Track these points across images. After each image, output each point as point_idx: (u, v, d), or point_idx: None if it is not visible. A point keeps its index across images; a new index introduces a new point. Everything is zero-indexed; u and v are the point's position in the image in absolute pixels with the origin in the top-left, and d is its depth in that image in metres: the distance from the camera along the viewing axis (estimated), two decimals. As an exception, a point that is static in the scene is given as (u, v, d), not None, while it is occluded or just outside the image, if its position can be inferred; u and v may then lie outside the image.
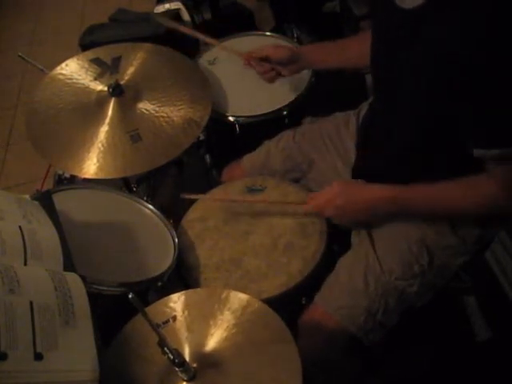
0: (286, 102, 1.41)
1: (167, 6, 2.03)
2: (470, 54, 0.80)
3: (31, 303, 0.67)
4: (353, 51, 1.25)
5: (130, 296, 0.70)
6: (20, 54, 1.37)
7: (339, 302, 1.05)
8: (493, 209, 0.93)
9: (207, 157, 1.58)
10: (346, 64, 1.30)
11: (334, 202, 1.03)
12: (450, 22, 0.81)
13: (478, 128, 0.87)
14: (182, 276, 1.14)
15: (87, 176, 1.18)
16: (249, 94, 1.45)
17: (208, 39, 1.42)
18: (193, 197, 1.24)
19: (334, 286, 1.08)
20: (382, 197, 1.00)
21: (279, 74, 1.34)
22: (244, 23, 2.22)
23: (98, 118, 1.26)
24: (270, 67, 1.33)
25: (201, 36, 1.41)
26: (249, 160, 1.40)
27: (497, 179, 0.89)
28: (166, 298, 0.92)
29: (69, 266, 0.81)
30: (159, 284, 1.02)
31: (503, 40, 0.79)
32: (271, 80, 1.36)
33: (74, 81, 1.34)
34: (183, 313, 0.88)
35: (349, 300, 1.04)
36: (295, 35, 2.11)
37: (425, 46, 0.86)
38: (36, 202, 0.92)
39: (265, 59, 1.32)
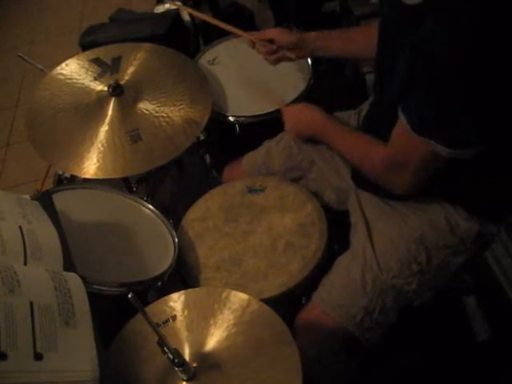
0: (286, 102, 1.41)
1: (167, 5, 2.03)
2: (468, 52, 0.80)
3: (31, 303, 0.67)
4: (358, 41, 1.26)
5: (130, 296, 0.70)
6: (20, 54, 1.38)
7: (337, 300, 1.05)
8: (369, 173, 1.06)
9: (207, 157, 1.57)
10: (350, 53, 1.31)
11: (293, 119, 1.28)
12: (449, 20, 0.81)
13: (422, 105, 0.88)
14: (182, 276, 1.14)
15: (87, 176, 1.18)
16: (249, 94, 1.45)
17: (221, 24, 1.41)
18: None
19: (332, 284, 1.08)
20: (317, 123, 1.21)
21: (285, 58, 1.34)
22: (244, 23, 2.22)
23: (98, 118, 1.26)
24: (274, 48, 1.33)
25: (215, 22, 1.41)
26: (249, 160, 1.40)
27: (388, 152, 0.98)
28: (165, 298, 0.92)
29: (69, 266, 0.81)
30: (159, 284, 1.02)
31: (505, 41, 0.78)
32: (275, 62, 1.36)
33: (74, 81, 1.35)
34: (183, 312, 0.88)
35: (346, 299, 1.04)
36: (295, 35, 2.11)
37: (426, 44, 0.86)
38: (36, 202, 0.92)
39: (270, 41, 1.33)
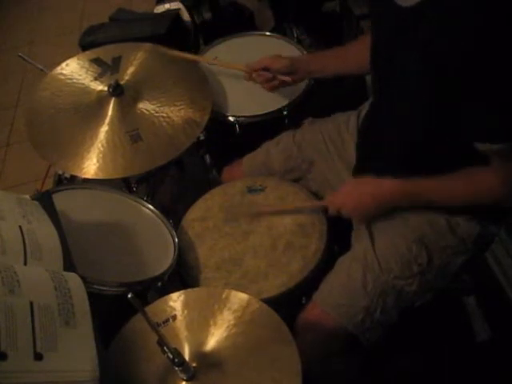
0: (286, 102, 1.41)
1: (167, 5, 2.03)
2: (468, 52, 0.80)
3: (31, 303, 0.67)
4: (353, 58, 1.26)
5: (130, 296, 0.70)
6: (20, 54, 1.37)
7: (337, 300, 1.05)
8: (492, 201, 0.97)
9: (207, 157, 1.57)
10: (346, 71, 1.31)
11: (351, 199, 1.07)
12: (449, 20, 0.81)
13: (481, 124, 0.87)
14: (182, 276, 1.14)
15: (87, 176, 1.18)
16: (249, 94, 1.45)
17: (200, 58, 1.48)
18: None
19: (333, 284, 1.08)
20: (394, 191, 1.03)
21: (282, 83, 1.35)
22: (244, 23, 2.22)
23: (98, 118, 1.26)
24: (270, 76, 1.34)
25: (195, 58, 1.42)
26: (249, 160, 1.40)
27: (498, 174, 0.91)
28: (165, 297, 0.92)
29: (69, 266, 0.81)
30: (159, 284, 1.02)
31: (501, 37, 0.79)
32: (273, 89, 1.38)
33: (74, 81, 1.34)
34: (183, 312, 0.88)
35: (347, 299, 1.04)
36: (295, 35, 2.11)
37: (423, 44, 0.87)
38: (36, 202, 0.92)
39: (264, 69, 1.34)
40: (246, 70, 1.37)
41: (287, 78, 1.33)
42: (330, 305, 1.05)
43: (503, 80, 0.81)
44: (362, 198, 1.06)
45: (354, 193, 1.07)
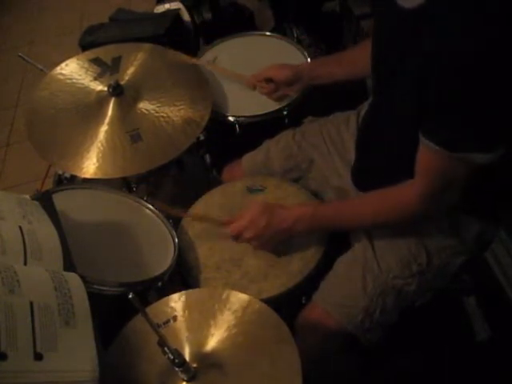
0: (286, 102, 1.41)
1: (167, 5, 2.03)
2: (469, 54, 0.80)
3: (31, 303, 0.67)
4: (354, 63, 1.26)
5: (130, 296, 0.70)
6: (20, 54, 1.37)
7: (337, 300, 1.05)
8: (407, 217, 0.98)
9: (207, 157, 1.57)
10: (348, 77, 1.32)
11: (257, 223, 1.04)
12: (450, 22, 0.81)
13: (442, 122, 0.86)
14: (182, 276, 1.14)
15: (87, 176, 1.18)
16: (249, 94, 1.45)
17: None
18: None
19: (333, 284, 1.08)
20: (301, 215, 1.04)
21: (285, 94, 1.39)
22: (244, 23, 2.22)
23: (98, 118, 1.26)
24: (275, 87, 1.38)
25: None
26: (249, 160, 1.40)
27: (420, 184, 0.92)
28: (166, 298, 0.92)
29: (69, 266, 0.81)
30: (159, 284, 1.01)
31: (505, 42, 0.78)
32: (279, 99, 1.41)
33: (74, 81, 1.34)
34: (184, 313, 0.88)
35: (347, 299, 1.04)
36: (295, 35, 2.11)
37: (423, 45, 0.86)
38: (36, 202, 0.92)
39: (269, 80, 1.37)
40: (249, 83, 1.42)
41: (290, 90, 1.37)
42: (330, 305, 1.05)
43: (503, 83, 0.81)
44: (268, 227, 1.04)
45: (263, 217, 1.04)
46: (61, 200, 0.99)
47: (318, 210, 1.05)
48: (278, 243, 1.09)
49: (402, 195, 0.96)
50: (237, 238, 1.08)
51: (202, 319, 0.86)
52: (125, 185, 1.40)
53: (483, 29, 0.78)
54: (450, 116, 0.84)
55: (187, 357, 0.80)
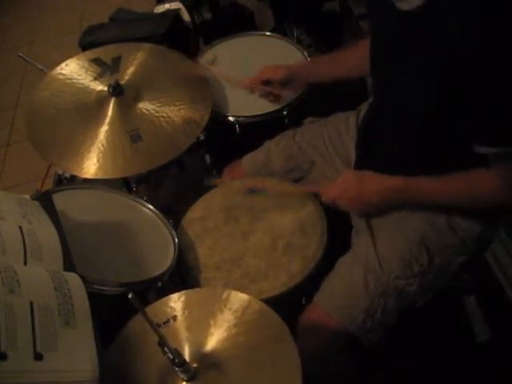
0: (286, 102, 1.41)
1: (167, 5, 2.03)
2: (469, 55, 0.80)
3: (31, 303, 0.67)
4: (351, 62, 1.27)
5: (130, 296, 0.70)
6: (20, 54, 1.37)
7: (339, 301, 1.05)
8: (491, 203, 0.97)
9: (207, 157, 1.57)
10: (345, 76, 1.32)
11: (348, 193, 1.06)
12: (449, 23, 0.81)
13: (480, 127, 0.88)
14: (182, 276, 1.14)
15: (87, 176, 1.18)
16: (249, 94, 1.45)
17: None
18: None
19: (334, 285, 1.08)
20: (393, 186, 1.02)
21: (283, 94, 1.39)
22: (244, 23, 2.22)
23: (98, 118, 1.26)
24: (272, 88, 1.38)
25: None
26: (249, 160, 1.40)
27: (497, 175, 0.91)
28: (166, 298, 0.92)
29: (69, 266, 0.81)
30: (159, 284, 1.01)
31: (505, 42, 0.78)
32: (277, 100, 1.41)
33: (74, 81, 1.34)
34: (183, 313, 0.88)
35: (348, 300, 1.04)
36: (295, 35, 2.11)
37: (423, 46, 0.87)
38: (36, 202, 0.92)
39: (266, 82, 1.37)
40: (247, 86, 1.42)
41: (287, 93, 1.38)
42: (332, 306, 1.05)
43: (504, 83, 0.81)
44: (364, 194, 1.05)
45: (353, 187, 1.06)
46: (61, 200, 0.99)
47: (411, 183, 1.01)
48: (373, 210, 1.09)
49: (481, 178, 0.94)
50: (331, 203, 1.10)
51: (201, 319, 0.86)
52: (125, 185, 1.40)
53: (483, 29, 0.78)
54: (487, 115, 0.85)
55: (187, 357, 0.80)
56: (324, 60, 1.36)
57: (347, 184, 1.07)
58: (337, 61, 1.32)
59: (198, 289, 1.02)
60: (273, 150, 1.36)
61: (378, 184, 1.04)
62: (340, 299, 1.05)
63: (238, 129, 1.44)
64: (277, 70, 1.36)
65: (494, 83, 0.81)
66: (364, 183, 1.05)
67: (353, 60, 1.24)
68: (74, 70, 1.37)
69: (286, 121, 1.43)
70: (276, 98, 1.41)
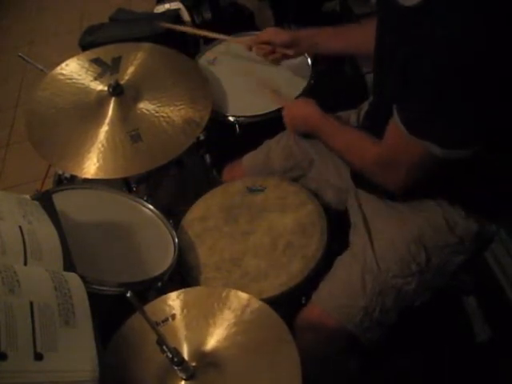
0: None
1: (167, 5, 2.03)
2: (471, 55, 0.80)
3: (31, 303, 0.67)
4: (354, 37, 1.27)
5: (128, 294, 0.70)
6: (20, 54, 1.37)
7: (337, 300, 1.05)
8: (363, 169, 1.07)
9: (207, 157, 1.57)
10: (344, 50, 1.33)
11: (286, 111, 1.29)
12: (449, 20, 0.81)
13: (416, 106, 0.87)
14: (182, 276, 1.14)
15: (87, 176, 1.18)
16: (249, 94, 1.45)
17: (210, 34, 1.52)
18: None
19: (332, 284, 1.08)
20: (309, 121, 1.22)
21: (283, 56, 1.38)
22: (244, 23, 2.22)
23: (98, 118, 1.26)
24: (272, 49, 1.37)
25: (202, 33, 1.51)
26: (249, 160, 1.40)
27: (381, 151, 0.98)
28: (165, 296, 0.92)
29: (69, 266, 0.81)
30: (159, 284, 1.01)
31: (501, 37, 0.78)
32: (276, 61, 1.40)
33: (74, 81, 1.35)
34: (183, 311, 0.88)
35: (346, 299, 1.04)
36: (295, 35, 2.11)
37: (423, 43, 0.86)
38: (36, 202, 0.92)
39: (267, 43, 1.36)
40: (246, 43, 1.41)
41: (289, 51, 1.35)
42: (330, 305, 1.05)
43: (504, 83, 0.81)
44: (295, 115, 1.27)
45: (292, 106, 1.30)
46: (61, 200, 0.99)
47: (319, 123, 1.18)
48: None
49: (365, 148, 1.03)
50: None
51: (201, 318, 0.86)
52: (125, 185, 1.40)
53: (483, 29, 0.78)
54: (419, 98, 0.86)
55: (186, 355, 0.80)
56: (329, 31, 1.33)
57: (291, 104, 1.30)
58: (343, 34, 1.31)
59: (197, 287, 1.03)
60: (273, 149, 1.36)
61: (302, 112, 1.25)
62: (338, 298, 1.05)
63: (237, 129, 1.44)
64: (278, 33, 1.35)
65: (494, 83, 0.81)
66: (297, 108, 1.28)
67: (359, 37, 1.24)
68: (74, 69, 1.37)
69: (286, 121, 1.43)
70: (275, 61, 1.40)
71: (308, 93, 1.43)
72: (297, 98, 1.42)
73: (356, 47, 1.27)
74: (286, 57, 1.38)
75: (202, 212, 1.25)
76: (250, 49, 1.40)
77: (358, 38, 1.24)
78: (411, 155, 0.91)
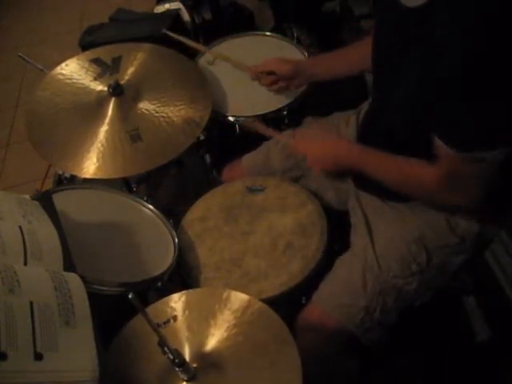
0: (286, 102, 1.41)
1: (167, 5, 2.03)
2: (471, 55, 0.80)
3: (31, 303, 0.67)
4: (357, 57, 1.27)
5: (130, 296, 0.70)
6: (20, 54, 1.37)
7: (337, 300, 1.05)
8: (422, 196, 1.03)
9: (207, 157, 1.58)
10: (349, 72, 1.33)
11: (313, 153, 1.17)
12: (452, 22, 0.81)
13: (447, 122, 0.87)
14: (182, 276, 1.14)
15: (87, 176, 1.18)
16: (249, 94, 1.45)
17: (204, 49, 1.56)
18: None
19: (333, 284, 1.08)
20: (351, 158, 1.10)
21: (285, 87, 1.40)
22: (244, 23, 2.22)
23: (98, 118, 1.26)
24: (275, 79, 1.39)
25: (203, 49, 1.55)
26: (249, 160, 1.40)
27: (440, 173, 0.93)
28: (166, 298, 0.92)
29: (69, 266, 0.81)
30: (159, 284, 1.02)
31: (501, 39, 0.78)
32: (279, 92, 1.42)
33: (74, 81, 1.34)
34: (184, 313, 0.88)
35: (347, 299, 1.04)
36: (295, 35, 2.11)
37: (425, 44, 0.86)
38: (36, 202, 0.92)
39: (270, 73, 1.38)
40: (251, 71, 1.43)
41: (291, 86, 1.39)
42: (330, 305, 1.05)
43: (504, 83, 0.81)
44: (324, 158, 1.15)
45: (317, 148, 1.17)
46: (61, 200, 0.99)
47: (362, 158, 1.08)
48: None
49: (424, 173, 0.96)
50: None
51: (202, 319, 0.86)
52: (125, 185, 1.40)
53: (483, 29, 0.78)
54: (457, 116, 0.85)
55: (187, 357, 0.80)
56: (328, 58, 1.36)
57: (312, 146, 1.17)
58: (342, 58, 1.33)
59: (198, 289, 1.02)
60: (272, 149, 1.36)
61: (334, 151, 1.14)
62: (339, 298, 1.05)
63: (237, 129, 1.44)
64: (282, 64, 1.37)
65: (494, 83, 0.81)
66: (325, 149, 1.15)
67: (358, 58, 1.25)
68: (74, 69, 1.37)
69: (286, 121, 1.43)
70: (278, 90, 1.42)
71: (308, 93, 1.43)
72: (297, 98, 1.42)
73: (359, 66, 1.28)
74: (288, 88, 1.40)
75: (202, 212, 1.25)
76: (257, 77, 1.43)
77: (360, 56, 1.23)
78: (472, 171, 0.89)
